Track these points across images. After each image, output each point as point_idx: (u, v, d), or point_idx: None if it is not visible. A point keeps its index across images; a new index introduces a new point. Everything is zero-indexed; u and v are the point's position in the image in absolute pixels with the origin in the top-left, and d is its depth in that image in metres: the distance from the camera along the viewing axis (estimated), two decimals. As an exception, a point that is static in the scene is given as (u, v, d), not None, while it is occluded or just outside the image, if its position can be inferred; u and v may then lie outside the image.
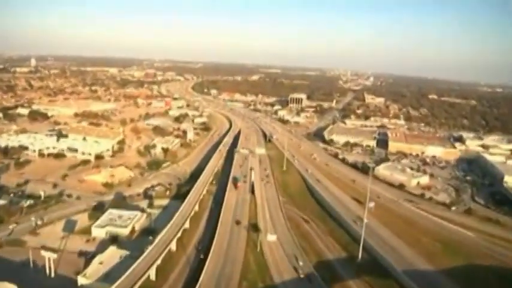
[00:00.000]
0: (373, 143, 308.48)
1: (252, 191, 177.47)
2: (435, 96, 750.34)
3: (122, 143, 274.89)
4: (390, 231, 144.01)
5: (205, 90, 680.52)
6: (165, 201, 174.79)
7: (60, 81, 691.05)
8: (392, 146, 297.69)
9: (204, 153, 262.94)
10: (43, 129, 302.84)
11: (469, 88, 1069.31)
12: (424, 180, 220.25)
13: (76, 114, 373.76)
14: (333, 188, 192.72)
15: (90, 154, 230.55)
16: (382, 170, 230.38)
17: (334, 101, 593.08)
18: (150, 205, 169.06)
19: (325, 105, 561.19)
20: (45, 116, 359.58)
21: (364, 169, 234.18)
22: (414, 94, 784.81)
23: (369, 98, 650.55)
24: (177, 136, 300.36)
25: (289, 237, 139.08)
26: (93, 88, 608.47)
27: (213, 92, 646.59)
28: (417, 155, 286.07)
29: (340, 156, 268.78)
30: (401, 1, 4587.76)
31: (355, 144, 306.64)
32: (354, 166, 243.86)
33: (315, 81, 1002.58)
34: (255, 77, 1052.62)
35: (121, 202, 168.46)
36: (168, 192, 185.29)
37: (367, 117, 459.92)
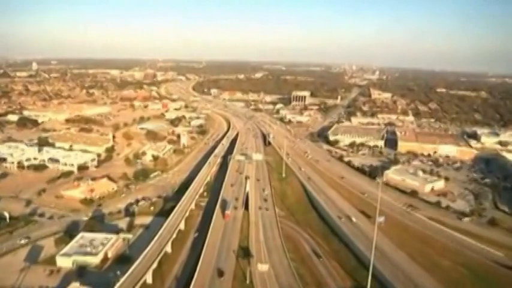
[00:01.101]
0: (381, 143, 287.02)
1: (246, 206, 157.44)
2: (444, 89, 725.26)
3: (110, 150, 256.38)
4: (404, 252, 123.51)
5: (206, 90, 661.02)
6: (148, 219, 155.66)
7: (58, 84, 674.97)
8: (402, 146, 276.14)
9: (198, 159, 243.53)
10: (30, 136, 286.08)
11: (478, 79, 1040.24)
12: (439, 185, 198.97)
13: (67, 120, 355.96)
14: (337, 198, 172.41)
15: (72, 165, 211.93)
16: (391, 174, 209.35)
17: (339, 98, 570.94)
18: (131, 225, 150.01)
19: (330, 102, 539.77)
20: (35, 123, 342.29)
21: (371, 174, 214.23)
22: (422, 88, 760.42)
23: (375, 94, 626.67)
24: (170, 141, 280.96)
25: (285, 263, 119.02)
26: (91, 91, 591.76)
27: (213, 91, 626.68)
28: (429, 155, 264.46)
29: (346, 159, 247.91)
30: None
31: (362, 145, 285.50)
32: (360, 170, 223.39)
33: (319, 77, 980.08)
34: (258, 75, 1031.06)
35: (97, 222, 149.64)
36: (152, 208, 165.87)
37: (373, 114, 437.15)
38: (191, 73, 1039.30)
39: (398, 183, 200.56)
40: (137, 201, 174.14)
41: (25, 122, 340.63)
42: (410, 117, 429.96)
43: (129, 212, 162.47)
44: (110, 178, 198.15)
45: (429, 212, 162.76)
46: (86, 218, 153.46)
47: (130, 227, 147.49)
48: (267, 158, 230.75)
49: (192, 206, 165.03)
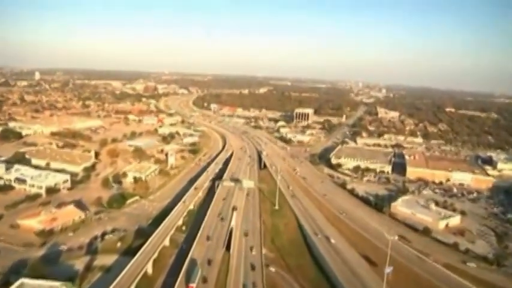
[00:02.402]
0: (388, 168, 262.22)
1: (228, 246, 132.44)
2: (452, 109, 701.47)
3: (90, 169, 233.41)
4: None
5: (206, 104, 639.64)
6: (111, 258, 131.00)
7: (55, 95, 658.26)
8: (411, 172, 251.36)
9: (185, 183, 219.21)
10: (10, 150, 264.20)
11: (485, 99, 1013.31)
12: (455, 221, 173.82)
13: (53, 133, 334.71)
14: (337, 238, 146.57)
15: (40, 187, 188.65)
16: (400, 206, 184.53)
17: (344, 116, 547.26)
18: (88, 266, 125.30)
19: (334, 120, 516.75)
20: (18, 136, 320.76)
21: (377, 205, 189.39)
22: (430, 107, 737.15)
23: (382, 112, 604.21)
24: (157, 161, 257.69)
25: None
26: (87, 103, 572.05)
27: (213, 106, 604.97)
28: (441, 183, 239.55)
29: (349, 186, 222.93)
30: (411, 12, 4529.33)
31: (367, 169, 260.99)
32: (365, 201, 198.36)
33: (325, 94, 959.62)
34: (262, 90, 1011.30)
35: (49, 262, 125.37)
36: (119, 244, 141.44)
37: (380, 135, 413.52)
38: (195, 86, 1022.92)
39: (408, 217, 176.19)
40: (104, 234, 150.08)
41: (8, 135, 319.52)
42: (419, 139, 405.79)
43: (92, 248, 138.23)
44: (78, 205, 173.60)
45: (446, 257, 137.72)
46: (39, 255, 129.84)
47: (87, 270, 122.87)
48: (260, 184, 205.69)
49: (166, 242, 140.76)
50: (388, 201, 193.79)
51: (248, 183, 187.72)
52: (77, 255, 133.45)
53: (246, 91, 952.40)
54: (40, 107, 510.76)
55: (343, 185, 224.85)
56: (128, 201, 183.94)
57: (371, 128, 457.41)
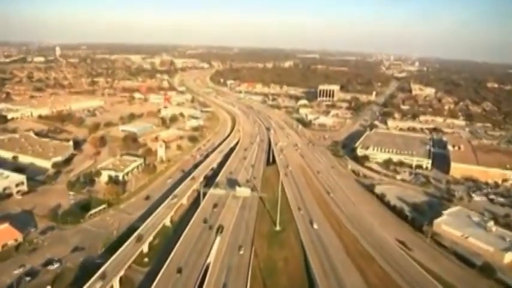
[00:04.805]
0: (427, 162, 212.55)
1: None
2: (495, 85, 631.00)
3: (63, 164, 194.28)
4: None
5: (222, 80, 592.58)
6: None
7: (66, 72, 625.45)
8: (456, 169, 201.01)
9: (170, 184, 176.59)
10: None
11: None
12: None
13: (40, 117, 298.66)
14: (356, 282, 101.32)
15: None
16: (446, 225, 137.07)
17: (374, 93, 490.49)
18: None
19: (363, 97, 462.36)
20: (3, 120, 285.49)
21: (415, 220, 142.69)
22: (469, 82, 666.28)
23: (416, 89, 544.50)
24: (148, 152, 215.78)
25: None
26: (95, 80, 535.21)
27: (230, 82, 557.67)
28: (496, 184, 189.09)
29: (378, 189, 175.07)
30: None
31: (401, 163, 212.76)
32: (399, 213, 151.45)
33: (354, 67, 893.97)
34: (288, 64, 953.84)
35: None
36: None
37: (415, 116, 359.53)
38: (219, 60, 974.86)
39: (458, 241, 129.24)
40: (47, 264, 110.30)
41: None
42: (461, 121, 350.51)
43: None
44: (22, 220, 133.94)
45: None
46: None
47: None
48: (262, 190, 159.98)
49: (115, 284, 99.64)
50: (430, 214, 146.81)
51: (243, 192, 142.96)
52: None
53: (270, 65, 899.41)
54: (44, 85, 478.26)
55: (370, 188, 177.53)
56: (90, 213, 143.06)
57: (404, 107, 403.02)
